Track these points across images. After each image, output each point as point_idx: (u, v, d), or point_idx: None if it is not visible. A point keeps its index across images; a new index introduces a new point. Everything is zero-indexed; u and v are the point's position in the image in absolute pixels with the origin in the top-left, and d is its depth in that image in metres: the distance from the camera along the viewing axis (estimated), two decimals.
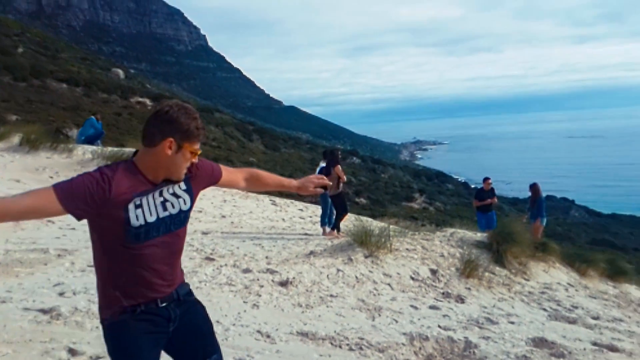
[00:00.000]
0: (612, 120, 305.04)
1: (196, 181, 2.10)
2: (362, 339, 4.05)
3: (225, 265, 5.55)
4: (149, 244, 1.91)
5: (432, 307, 5.09)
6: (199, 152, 1.98)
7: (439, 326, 4.61)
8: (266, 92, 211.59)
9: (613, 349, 4.91)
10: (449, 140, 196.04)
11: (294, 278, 5.25)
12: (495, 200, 11.92)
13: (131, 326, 1.92)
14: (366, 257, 6.04)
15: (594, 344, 4.98)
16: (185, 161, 1.94)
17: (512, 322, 5.13)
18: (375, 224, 8.99)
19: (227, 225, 9.11)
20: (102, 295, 1.97)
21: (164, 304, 1.98)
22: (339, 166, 9.30)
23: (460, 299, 5.57)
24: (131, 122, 42.79)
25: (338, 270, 5.62)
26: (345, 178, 9.29)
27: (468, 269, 6.23)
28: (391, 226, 9.59)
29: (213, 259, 5.94)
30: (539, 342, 4.63)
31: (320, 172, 9.41)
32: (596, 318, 6.19)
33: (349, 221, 9.29)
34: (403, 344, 4.09)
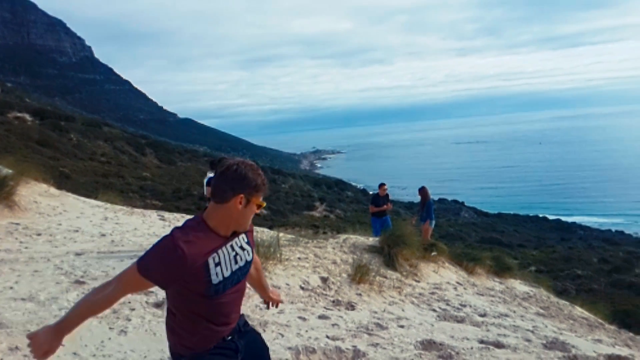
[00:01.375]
0: (495, 126, 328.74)
1: (251, 233, 2.32)
2: None
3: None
4: (225, 295, 2.11)
5: (321, 317, 4.87)
6: (264, 205, 2.16)
7: (327, 336, 4.39)
8: (159, 104, 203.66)
9: (499, 345, 4.97)
10: (347, 149, 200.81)
11: None
12: (390, 205, 12.06)
13: (210, 358, 2.14)
14: None
15: (481, 341, 5.01)
16: (252, 213, 2.12)
17: (402, 326, 5.04)
18: (268, 234, 8.69)
19: (107, 244, 8.37)
20: (179, 336, 2.14)
21: (229, 337, 2.20)
22: None
23: (351, 306, 5.41)
24: (9, 139, 39.25)
25: None
26: None
27: (359, 275, 6.11)
28: (286, 235, 9.35)
29: (83, 282, 5.33)
30: (428, 345, 4.55)
31: (208, 183, 8.97)
32: (483, 315, 6.31)
33: None
34: None
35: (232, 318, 2.20)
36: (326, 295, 5.58)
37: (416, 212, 11.91)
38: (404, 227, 8.30)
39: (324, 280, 5.93)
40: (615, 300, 25.54)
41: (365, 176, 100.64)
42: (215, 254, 2.05)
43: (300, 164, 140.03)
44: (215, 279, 2.04)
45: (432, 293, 6.91)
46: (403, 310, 5.72)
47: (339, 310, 5.23)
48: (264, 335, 4.32)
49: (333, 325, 4.73)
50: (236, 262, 2.14)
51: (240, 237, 2.17)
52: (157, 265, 1.96)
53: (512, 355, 4.70)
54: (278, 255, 6.19)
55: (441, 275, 8.21)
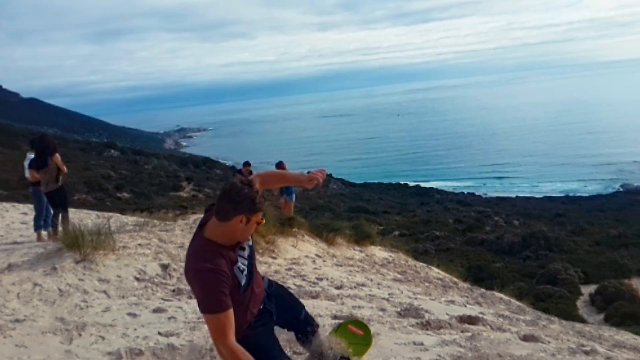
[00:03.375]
0: (356, 99, 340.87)
1: None
2: None
3: None
4: (249, 289, 2.50)
5: (156, 311, 4.26)
6: (263, 222, 2.42)
7: (160, 333, 3.80)
8: None
9: (352, 318, 4.73)
10: (213, 126, 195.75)
11: None
12: None
13: (255, 331, 2.58)
14: (77, 262, 4.90)
15: (334, 317, 4.74)
16: (252, 229, 2.40)
17: None
18: (98, 220, 7.76)
19: None
20: None
21: (262, 306, 2.65)
22: (57, 155, 7.78)
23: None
24: None
25: (35, 285, 4.40)
26: (65, 169, 7.82)
27: None
28: (132, 219, 8.47)
29: None
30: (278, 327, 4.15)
31: (30, 166, 7.76)
32: (339, 287, 6.10)
33: (75, 221, 7.86)
34: None
35: (258, 294, 2.59)
36: (166, 284, 4.96)
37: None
38: None
39: (165, 267, 5.28)
40: (469, 256, 27.69)
41: (233, 153, 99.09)
42: (237, 265, 2.39)
43: (164, 143, 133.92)
44: (243, 282, 2.42)
45: (289, 269, 6.58)
46: None
47: (179, 300, 4.64)
48: (77, 342, 3.64)
49: (170, 318, 4.14)
50: (247, 262, 2.49)
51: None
52: (217, 296, 2.23)
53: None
54: (111, 244, 5.41)
55: (300, 249, 7.93)
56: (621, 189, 57.32)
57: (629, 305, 22.15)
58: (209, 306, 2.23)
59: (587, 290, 23.95)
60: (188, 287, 5.01)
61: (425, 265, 11.23)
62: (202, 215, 6.93)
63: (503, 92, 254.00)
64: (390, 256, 10.45)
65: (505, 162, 76.58)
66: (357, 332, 3.63)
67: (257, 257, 6.78)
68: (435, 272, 10.61)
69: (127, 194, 50.96)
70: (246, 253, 2.49)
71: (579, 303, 23.15)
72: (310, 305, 5.01)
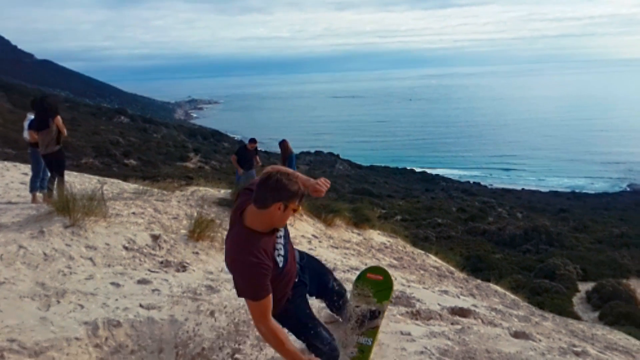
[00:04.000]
0: (370, 82, 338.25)
1: None
2: (13, 340, 2.95)
3: None
4: (286, 267, 2.64)
5: (141, 282, 4.18)
6: (300, 209, 2.61)
7: (141, 305, 3.73)
8: (12, 43, 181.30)
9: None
10: (224, 99, 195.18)
11: None
12: (259, 161, 11.53)
13: (294, 304, 2.78)
14: (66, 227, 4.82)
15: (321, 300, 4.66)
16: (289, 216, 2.51)
17: None
18: (93, 185, 7.68)
19: None
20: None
21: (297, 279, 2.80)
22: (59, 117, 7.67)
23: (183, 267, 4.77)
24: None
25: (20, 247, 4.33)
26: (66, 132, 7.72)
27: (198, 230, 5.45)
28: (133, 186, 8.41)
29: None
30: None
31: (30, 126, 7.68)
32: (332, 270, 6.01)
33: (71, 185, 7.80)
34: (76, 339, 3.11)
35: (293, 269, 2.73)
36: (154, 255, 4.88)
37: (279, 164, 11.50)
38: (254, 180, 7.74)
39: (155, 238, 5.20)
40: (470, 246, 27.64)
41: (242, 128, 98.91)
42: (276, 250, 2.53)
43: (174, 113, 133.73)
44: (281, 264, 2.57)
45: None
46: None
47: (166, 272, 4.57)
48: (54, 309, 3.56)
49: (153, 291, 4.07)
50: (284, 239, 2.65)
51: None
52: (261, 286, 2.39)
53: None
54: (103, 210, 5.33)
55: (297, 228, 7.84)
56: (628, 189, 56.83)
57: (625, 305, 22.07)
58: (253, 294, 2.42)
59: (585, 287, 23.86)
60: (176, 260, 4.94)
61: (423, 252, 11.14)
62: (200, 188, 6.82)
63: (518, 83, 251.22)
64: (389, 241, 10.35)
65: (514, 154, 75.99)
66: (376, 279, 3.72)
67: None
68: (432, 259, 10.52)
69: (134, 161, 51.16)
70: (282, 234, 2.63)
71: (575, 300, 23.09)
72: None
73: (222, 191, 7.80)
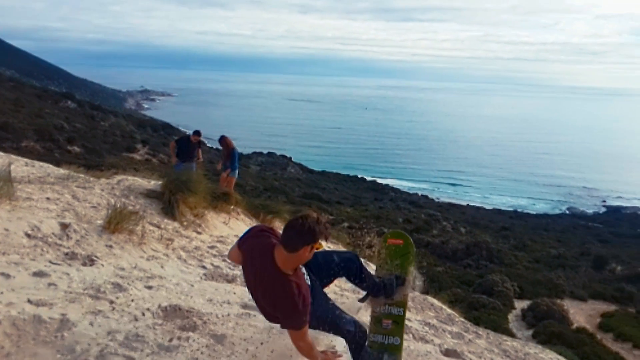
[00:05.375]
0: (328, 87, 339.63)
1: None
2: None
3: None
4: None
5: (37, 274, 3.69)
6: (322, 246, 2.69)
7: (30, 301, 3.25)
8: None
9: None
10: (178, 93, 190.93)
11: None
12: (201, 156, 10.97)
13: (314, 307, 2.78)
14: None
15: (244, 305, 4.28)
16: (313, 253, 2.64)
17: (150, 287, 4.08)
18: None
19: None
20: None
21: (309, 282, 2.84)
22: None
23: (91, 261, 4.28)
24: None
25: None
26: None
27: (115, 222, 4.96)
28: (61, 171, 7.78)
29: None
30: (172, 311, 3.66)
31: None
32: None
33: None
34: None
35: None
36: (60, 246, 4.37)
37: (220, 159, 11.03)
38: (193, 173, 7.29)
39: (65, 227, 4.68)
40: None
41: (195, 123, 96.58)
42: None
43: (125, 102, 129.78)
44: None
45: (212, 247, 6.06)
46: (162, 267, 4.75)
47: (69, 265, 4.08)
48: None
49: (49, 285, 3.58)
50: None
51: None
52: (304, 317, 2.63)
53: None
54: (8, 191, 4.77)
55: (231, 227, 7.42)
56: (567, 212, 59.07)
57: (558, 325, 22.69)
58: (300, 324, 2.63)
59: (521, 305, 24.39)
60: (85, 252, 4.45)
61: (364, 260, 10.91)
62: (128, 177, 6.27)
63: (471, 101, 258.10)
64: (329, 247, 10.06)
65: (462, 170, 77.75)
66: (397, 243, 3.66)
67: (181, 230, 6.26)
68: (371, 268, 10.30)
69: (77, 148, 49.10)
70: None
71: (510, 316, 23.54)
72: (222, 291, 4.55)
73: (152, 182, 7.28)
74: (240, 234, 7.14)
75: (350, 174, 65.49)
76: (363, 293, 3.54)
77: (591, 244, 40.80)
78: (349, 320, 3.04)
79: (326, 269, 3.11)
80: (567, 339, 20.96)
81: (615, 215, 57.16)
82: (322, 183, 56.85)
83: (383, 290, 3.42)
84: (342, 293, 5.84)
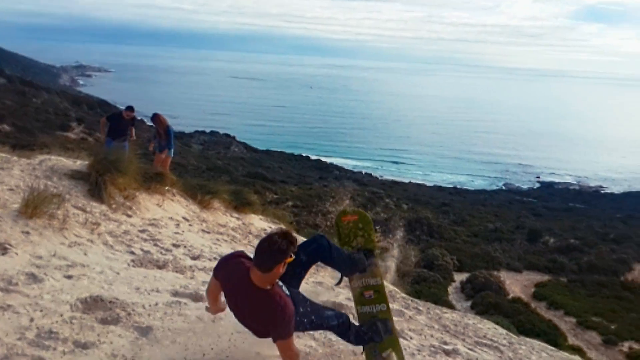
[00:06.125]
0: (272, 65, 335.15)
1: None
2: None
3: None
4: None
5: None
6: (292, 259, 2.71)
7: None
8: None
9: (196, 297, 4.05)
10: (115, 68, 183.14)
11: None
12: (134, 135, 10.38)
13: (298, 313, 2.96)
14: None
15: (175, 293, 4.03)
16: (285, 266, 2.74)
17: (70, 277, 3.77)
18: None
19: None
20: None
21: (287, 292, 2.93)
22: None
23: (3, 249, 3.91)
24: None
25: None
26: None
27: (33, 206, 4.56)
28: None
29: None
30: (92, 303, 3.38)
31: None
32: (196, 258, 5.39)
33: None
34: None
35: None
36: None
37: (153, 139, 10.52)
38: (124, 152, 6.88)
39: None
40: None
41: (134, 100, 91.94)
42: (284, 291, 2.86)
43: (59, 78, 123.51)
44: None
45: (143, 231, 5.74)
46: (86, 254, 4.41)
47: None
48: None
49: None
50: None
51: None
52: (292, 325, 2.74)
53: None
54: None
55: (165, 209, 7.09)
56: (503, 188, 61.34)
57: (495, 296, 23.62)
58: (288, 334, 2.71)
59: (460, 277, 25.20)
60: (2, 239, 4.06)
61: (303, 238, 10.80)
62: (52, 157, 5.80)
63: (413, 81, 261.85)
64: (270, 227, 9.87)
65: (404, 148, 79.08)
66: (352, 220, 3.69)
67: (109, 214, 5.89)
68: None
69: (7, 126, 46.43)
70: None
71: (450, 289, 24.28)
72: (151, 278, 4.28)
73: (78, 162, 6.81)
74: (174, 217, 6.82)
75: (295, 153, 65.21)
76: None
77: (526, 217, 42.58)
78: (330, 316, 3.24)
79: (298, 266, 3.17)
80: (504, 308, 21.87)
81: (548, 190, 59.83)
82: (266, 162, 56.40)
83: (355, 268, 3.54)
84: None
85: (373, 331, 3.49)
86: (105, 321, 3.18)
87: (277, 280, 2.79)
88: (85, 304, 3.33)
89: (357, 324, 3.55)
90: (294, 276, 3.15)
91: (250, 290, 2.69)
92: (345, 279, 3.69)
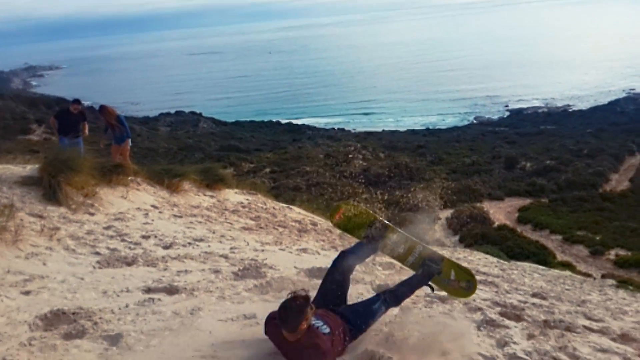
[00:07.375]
0: (227, 37, 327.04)
1: None
2: None
3: None
4: (332, 328, 3.08)
5: None
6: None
7: None
8: None
9: (171, 291, 3.78)
10: (67, 64, 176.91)
11: None
12: (87, 130, 9.82)
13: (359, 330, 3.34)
14: None
15: (147, 290, 3.75)
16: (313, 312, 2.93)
17: (28, 292, 3.45)
18: None
19: None
20: None
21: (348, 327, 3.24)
22: None
23: None
24: None
25: None
26: None
27: None
28: None
29: None
30: (54, 318, 3.09)
31: None
32: (168, 247, 5.09)
33: None
34: None
35: (338, 322, 3.18)
36: None
37: (105, 134, 10.02)
38: (77, 149, 6.45)
39: None
40: (339, 189, 28.06)
41: (92, 93, 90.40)
42: (319, 329, 2.97)
43: (10, 82, 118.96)
44: (328, 330, 3.01)
45: (108, 227, 5.40)
46: (45, 263, 4.09)
47: None
48: None
49: None
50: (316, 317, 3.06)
51: None
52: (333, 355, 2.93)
53: (186, 302, 3.56)
54: None
55: (132, 200, 6.73)
56: (475, 121, 61.63)
57: (481, 226, 23.93)
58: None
59: (445, 214, 25.42)
60: None
61: (285, 205, 10.56)
62: None
63: (372, 30, 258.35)
64: (247, 199, 9.59)
65: (372, 98, 78.56)
66: (342, 214, 3.89)
67: (69, 215, 5.53)
68: (295, 212, 9.98)
69: None
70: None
71: (437, 227, 24.52)
72: (120, 277, 3.98)
73: (28, 167, 6.38)
74: (141, 207, 6.47)
75: (265, 120, 64.49)
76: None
77: (500, 147, 42.95)
78: (377, 307, 3.37)
79: (337, 285, 3.46)
80: (491, 237, 22.20)
81: (518, 117, 60.28)
82: (237, 133, 55.68)
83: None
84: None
85: (429, 268, 3.67)
86: (69, 336, 2.89)
87: (312, 322, 2.93)
88: (45, 321, 3.04)
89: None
90: (337, 297, 3.40)
91: (288, 345, 2.87)
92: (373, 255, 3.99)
